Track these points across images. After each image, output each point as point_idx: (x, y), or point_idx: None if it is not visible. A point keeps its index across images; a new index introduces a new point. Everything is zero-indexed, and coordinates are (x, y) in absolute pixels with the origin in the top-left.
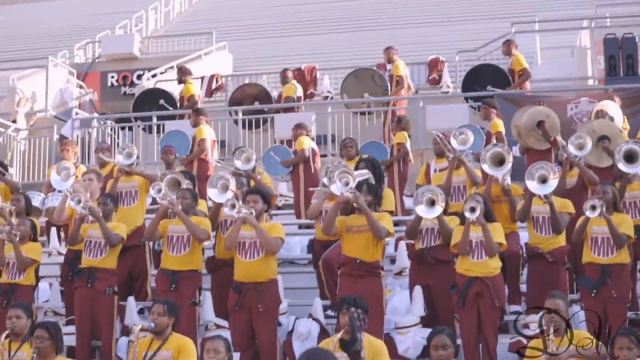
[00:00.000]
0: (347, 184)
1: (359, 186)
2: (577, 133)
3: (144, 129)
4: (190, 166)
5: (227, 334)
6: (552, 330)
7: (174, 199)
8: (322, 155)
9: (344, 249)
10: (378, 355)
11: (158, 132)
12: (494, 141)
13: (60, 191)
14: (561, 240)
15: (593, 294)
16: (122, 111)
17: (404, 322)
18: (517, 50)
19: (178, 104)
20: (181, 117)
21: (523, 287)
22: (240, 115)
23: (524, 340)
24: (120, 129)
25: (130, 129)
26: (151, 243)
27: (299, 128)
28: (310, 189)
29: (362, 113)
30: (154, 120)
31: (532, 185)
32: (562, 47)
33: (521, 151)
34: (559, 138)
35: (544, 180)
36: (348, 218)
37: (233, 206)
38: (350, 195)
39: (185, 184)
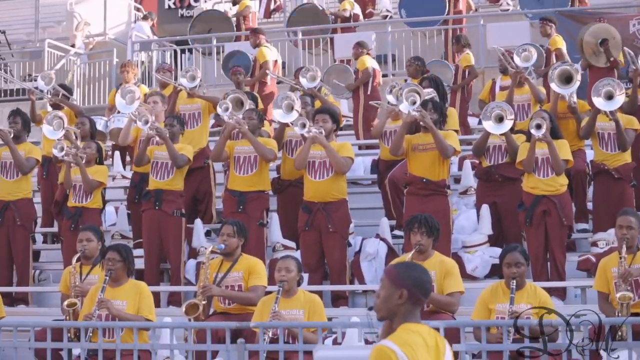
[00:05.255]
0: (414, 102)
1: (424, 104)
2: None
3: (203, 53)
4: (252, 88)
5: (294, 255)
6: (624, 247)
7: (240, 118)
8: (383, 75)
9: (410, 167)
10: (450, 274)
11: (217, 54)
12: (554, 59)
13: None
14: (627, 156)
15: None
16: (179, 34)
17: (471, 241)
18: None
19: (234, 26)
20: (238, 38)
21: (589, 205)
22: (300, 36)
23: (593, 258)
24: (180, 51)
25: (190, 51)
26: (216, 164)
27: (360, 47)
28: (370, 102)
29: (423, 32)
30: (214, 42)
31: (598, 101)
32: None
33: (582, 67)
34: (628, 50)
35: (610, 97)
36: (414, 137)
37: (303, 125)
38: (417, 114)
39: (249, 104)
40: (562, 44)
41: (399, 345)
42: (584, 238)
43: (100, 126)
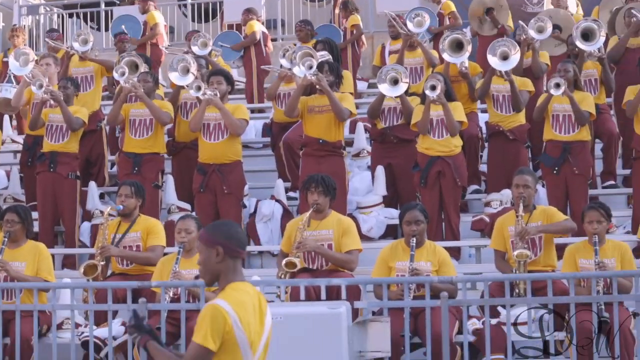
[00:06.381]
0: (310, 67)
1: (320, 66)
2: (537, 16)
3: (91, 19)
4: (142, 51)
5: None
6: (521, 205)
7: (136, 82)
8: (273, 40)
9: (306, 129)
10: (347, 232)
11: (106, 19)
12: (447, 21)
13: (9, 82)
14: (521, 118)
15: (555, 171)
16: None
17: (366, 202)
18: None
19: None
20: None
21: (482, 168)
22: (189, 1)
23: (487, 219)
24: (67, 15)
25: (78, 15)
26: (108, 128)
27: (249, 13)
28: (262, 67)
29: None
30: (102, 6)
31: (494, 60)
32: None
33: (472, 33)
34: (521, 23)
35: (505, 57)
36: (309, 98)
37: (199, 88)
38: (313, 78)
39: (144, 67)
40: (454, 7)
41: (232, 305)
42: (477, 199)
43: None
